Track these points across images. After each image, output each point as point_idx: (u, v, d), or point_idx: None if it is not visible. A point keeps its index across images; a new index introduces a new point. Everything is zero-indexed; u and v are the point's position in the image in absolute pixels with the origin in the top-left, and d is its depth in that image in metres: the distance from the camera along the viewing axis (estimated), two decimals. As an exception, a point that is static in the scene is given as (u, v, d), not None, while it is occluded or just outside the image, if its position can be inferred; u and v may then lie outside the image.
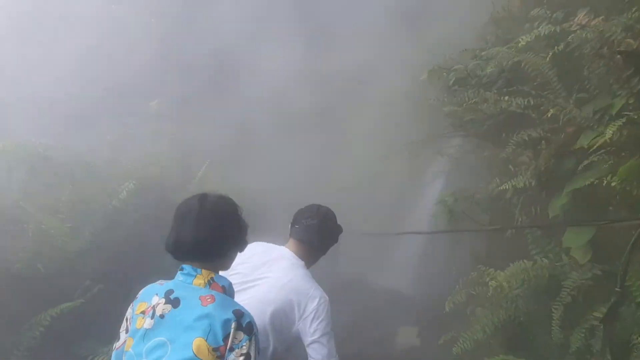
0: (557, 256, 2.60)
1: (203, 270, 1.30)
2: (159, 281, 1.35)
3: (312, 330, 1.69)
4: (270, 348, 1.68)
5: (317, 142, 8.77)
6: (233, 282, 1.41)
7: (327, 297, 1.76)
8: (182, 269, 1.33)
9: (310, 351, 1.70)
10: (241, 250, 1.43)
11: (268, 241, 1.94)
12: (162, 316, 1.24)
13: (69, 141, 4.29)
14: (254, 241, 1.74)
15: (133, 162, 4.19)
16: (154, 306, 1.25)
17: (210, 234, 1.29)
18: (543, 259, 2.51)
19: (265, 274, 1.76)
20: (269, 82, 6.72)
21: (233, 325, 1.21)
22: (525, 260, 2.57)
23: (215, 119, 6.10)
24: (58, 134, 4.33)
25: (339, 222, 1.93)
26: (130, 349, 1.24)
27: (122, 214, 3.52)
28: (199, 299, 1.25)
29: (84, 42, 5.41)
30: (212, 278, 1.30)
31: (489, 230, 3.28)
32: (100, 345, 2.83)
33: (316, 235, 1.83)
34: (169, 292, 1.27)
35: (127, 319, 1.33)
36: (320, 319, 1.70)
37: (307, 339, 1.70)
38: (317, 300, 1.72)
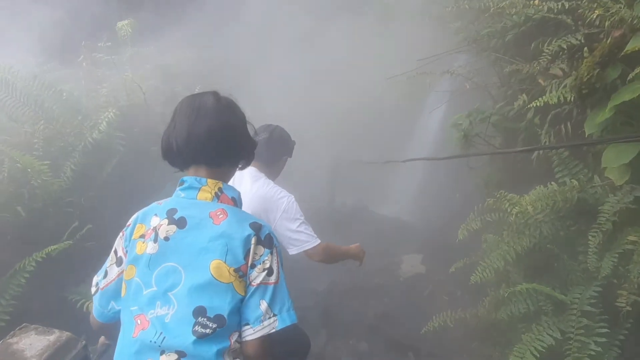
0: (587, 178, 2.37)
1: (209, 181, 1.16)
2: (156, 202, 1.20)
3: (289, 227, 1.88)
4: None
5: (313, 64, 8.26)
6: None
7: (292, 196, 1.95)
8: (182, 183, 1.18)
9: (293, 243, 1.91)
10: (244, 166, 1.31)
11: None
12: (167, 239, 1.11)
13: (40, 70, 3.85)
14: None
15: (113, 91, 3.79)
16: (155, 228, 1.12)
17: (226, 129, 1.18)
18: (572, 180, 2.27)
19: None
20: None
21: (253, 240, 1.11)
22: (552, 183, 2.34)
23: (201, 41, 5.57)
24: (27, 62, 3.87)
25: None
26: (135, 277, 1.11)
27: (106, 147, 3.20)
28: (210, 216, 1.12)
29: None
30: (220, 189, 1.17)
31: (515, 153, 3.01)
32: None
33: (265, 147, 1.95)
34: (171, 212, 1.13)
35: (115, 251, 1.19)
36: (291, 215, 1.90)
37: (287, 236, 1.89)
38: (284, 201, 1.90)
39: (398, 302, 4.38)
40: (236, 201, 1.21)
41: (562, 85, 2.27)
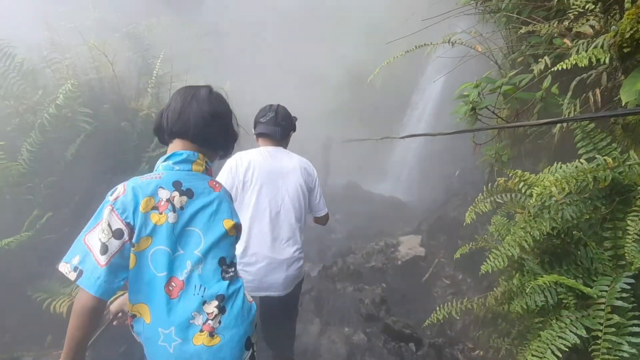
0: (617, 154, 2.07)
1: (200, 155, 1.35)
2: (135, 178, 1.27)
3: (319, 192, 2.27)
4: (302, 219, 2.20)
5: (306, 43, 7.82)
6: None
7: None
8: (175, 155, 1.32)
9: (322, 206, 2.29)
10: (224, 156, 1.50)
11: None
12: (182, 208, 1.28)
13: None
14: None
15: (79, 63, 3.38)
16: (169, 199, 1.25)
17: (214, 114, 1.35)
18: (605, 157, 1.97)
19: (278, 175, 2.12)
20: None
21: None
22: (582, 160, 2.03)
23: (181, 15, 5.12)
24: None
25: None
26: (157, 246, 1.22)
27: (69, 125, 2.83)
28: (209, 186, 1.36)
29: None
30: (207, 162, 1.38)
31: (530, 127, 2.70)
32: (60, 284, 2.34)
33: (274, 125, 2.16)
34: (177, 184, 1.29)
35: (109, 225, 1.18)
36: (316, 176, 2.27)
37: (319, 200, 2.28)
38: (311, 165, 2.26)
39: (396, 287, 4.14)
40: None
41: (594, 44, 1.93)
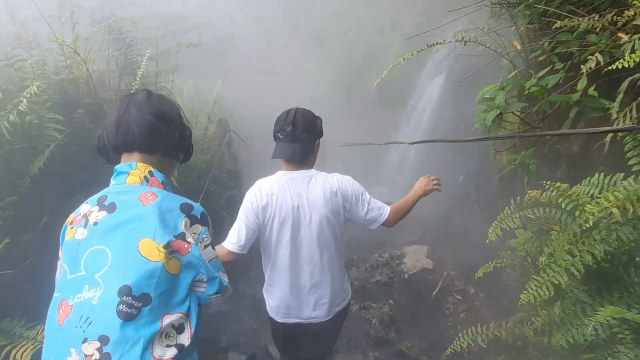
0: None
1: (139, 164, 1.16)
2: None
3: (361, 209, 1.93)
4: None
5: (299, 41, 7.49)
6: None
7: (346, 177, 1.96)
8: (115, 172, 1.19)
9: (371, 221, 1.99)
10: (185, 159, 1.34)
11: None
12: (95, 224, 1.09)
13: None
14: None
15: (51, 60, 2.98)
16: (85, 215, 1.11)
17: (156, 115, 1.19)
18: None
19: (303, 206, 1.84)
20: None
21: (184, 221, 1.10)
22: (643, 175, 1.73)
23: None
24: None
25: (325, 132, 1.94)
26: (62, 264, 1.09)
27: (35, 134, 2.44)
28: (139, 198, 1.11)
29: None
30: (150, 172, 1.17)
31: (578, 135, 2.40)
32: (22, 326, 1.96)
33: (291, 141, 1.82)
34: (102, 199, 1.13)
35: (60, 247, 1.13)
36: (359, 196, 1.92)
37: (363, 218, 1.96)
38: (347, 187, 1.90)
39: (405, 304, 3.82)
40: (166, 185, 1.20)
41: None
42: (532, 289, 1.96)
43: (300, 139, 1.81)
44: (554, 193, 2.10)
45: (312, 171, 1.91)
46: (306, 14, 8.63)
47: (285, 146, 1.82)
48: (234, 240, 1.83)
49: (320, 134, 1.93)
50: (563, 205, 2.08)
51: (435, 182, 2.24)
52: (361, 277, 4.18)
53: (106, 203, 1.11)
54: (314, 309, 1.95)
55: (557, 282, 1.89)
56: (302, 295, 1.92)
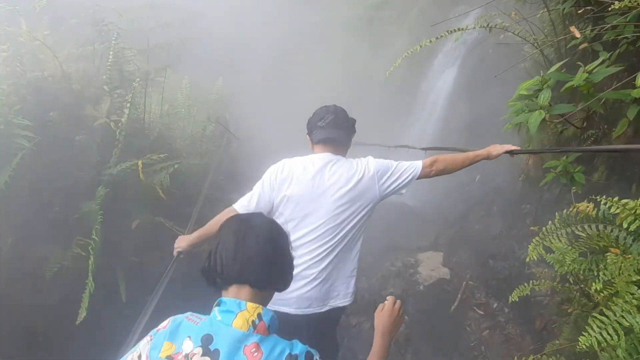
0: None
1: (249, 305, 1.07)
2: (189, 314, 1.09)
3: (390, 180, 1.89)
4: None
5: (302, 34, 7.13)
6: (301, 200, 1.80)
7: (368, 157, 1.94)
8: (220, 304, 1.09)
9: (404, 185, 1.93)
10: (282, 289, 1.19)
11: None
12: None
13: None
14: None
15: (26, 56, 2.63)
16: (187, 355, 1.02)
17: (277, 248, 1.13)
18: None
19: (324, 184, 1.84)
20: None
21: None
22: None
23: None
24: None
25: None
26: None
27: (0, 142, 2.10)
28: (244, 353, 1.02)
29: None
30: (259, 314, 1.07)
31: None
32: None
33: (334, 127, 1.89)
34: (207, 339, 1.03)
35: (139, 356, 1.04)
36: (383, 170, 1.88)
37: (396, 186, 1.91)
38: (370, 167, 1.87)
39: (421, 320, 3.49)
40: (270, 328, 1.08)
41: None
42: (593, 331, 1.61)
43: (342, 126, 1.91)
44: (613, 209, 1.76)
45: (340, 156, 1.92)
46: (311, 4, 8.24)
47: (329, 131, 1.88)
48: (245, 203, 1.91)
49: (354, 131, 2.01)
50: (625, 226, 1.73)
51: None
52: (372, 289, 3.84)
53: (211, 347, 1.03)
54: (317, 299, 1.86)
55: (629, 324, 1.54)
56: (300, 282, 1.83)
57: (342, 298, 1.94)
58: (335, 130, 1.88)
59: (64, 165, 2.43)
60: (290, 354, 1.05)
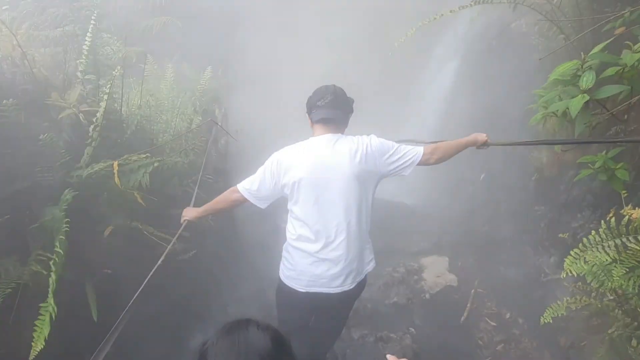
0: None
1: None
2: None
3: (389, 161, 1.93)
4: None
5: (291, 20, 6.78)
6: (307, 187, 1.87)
7: (370, 136, 1.97)
8: None
9: (405, 168, 1.96)
10: None
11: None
12: None
13: None
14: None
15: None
16: None
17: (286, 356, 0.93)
18: None
19: (330, 164, 1.88)
20: None
21: None
22: None
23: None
24: None
25: None
26: None
27: None
28: None
29: None
30: None
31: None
32: None
33: (333, 107, 1.93)
34: None
35: None
36: (384, 150, 1.92)
37: (395, 167, 1.94)
38: (371, 144, 1.92)
39: (429, 333, 3.20)
40: None
41: None
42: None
43: (340, 106, 1.95)
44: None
45: (339, 134, 1.95)
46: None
47: (328, 111, 1.92)
48: (247, 185, 2.01)
49: (352, 110, 2.04)
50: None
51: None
52: (374, 297, 3.53)
53: None
54: (338, 278, 1.94)
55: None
56: (326, 262, 1.92)
57: (367, 265, 2.09)
58: (333, 110, 1.92)
59: (23, 165, 2.06)
60: None
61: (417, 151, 1.95)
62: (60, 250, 1.91)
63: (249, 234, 4.31)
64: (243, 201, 2.03)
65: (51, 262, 1.87)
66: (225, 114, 5.48)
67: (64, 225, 1.98)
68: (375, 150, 1.90)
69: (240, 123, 5.58)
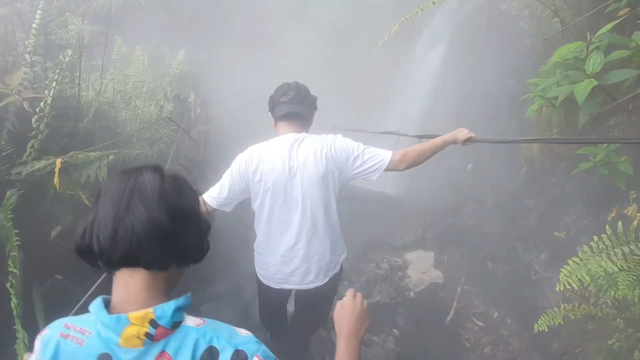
0: None
1: (132, 317, 0.78)
2: (62, 326, 0.82)
3: (355, 164, 1.85)
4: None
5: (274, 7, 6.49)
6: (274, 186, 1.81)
7: (336, 135, 1.90)
8: (100, 311, 0.80)
9: (371, 172, 1.86)
10: (197, 261, 0.90)
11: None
12: None
13: None
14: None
15: None
16: None
17: (176, 220, 0.82)
18: None
19: (295, 165, 1.82)
20: None
21: None
22: None
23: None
24: None
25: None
26: None
27: None
28: None
29: None
30: (152, 321, 0.80)
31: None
32: None
33: (297, 104, 1.88)
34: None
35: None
36: (350, 150, 1.85)
37: (361, 170, 1.86)
38: (336, 143, 1.86)
39: (413, 334, 3.03)
40: (174, 322, 0.81)
41: None
42: None
43: (304, 102, 1.90)
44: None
45: (304, 134, 1.89)
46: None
47: (292, 106, 1.87)
48: (214, 194, 1.88)
49: (316, 107, 1.99)
50: None
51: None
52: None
53: None
54: (309, 275, 1.94)
55: None
56: (296, 259, 1.91)
57: (339, 256, 2.03)
58: (298, 106, 1.87)
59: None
60: (210, 347, 0.82)
61: (383, 157, 1.85)
62: (16, 271, 1.66)
63: (227, 227, 4.08)
64: (212, 212, 1.91)
65: (8, 285, 1.62)
66: (205, 101, 5.19)
67: (14, 238, 1.73)
68: (339, 152, 1.83)
69: (221, 110, 5.29)
